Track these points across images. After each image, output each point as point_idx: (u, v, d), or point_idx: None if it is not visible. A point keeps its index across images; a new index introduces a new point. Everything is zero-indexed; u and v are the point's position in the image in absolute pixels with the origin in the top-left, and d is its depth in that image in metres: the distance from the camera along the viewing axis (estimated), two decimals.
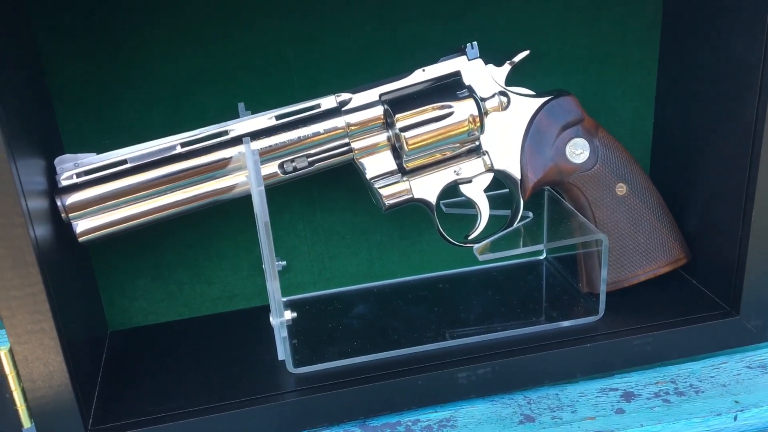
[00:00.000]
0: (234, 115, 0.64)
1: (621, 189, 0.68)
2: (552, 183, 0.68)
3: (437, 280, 0.77)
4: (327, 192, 0.73)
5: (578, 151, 0.67)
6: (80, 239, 0.59)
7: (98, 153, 0.60)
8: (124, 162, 0.59)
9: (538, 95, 0.66)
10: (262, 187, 0.57)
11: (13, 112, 0.51)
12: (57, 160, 0.59)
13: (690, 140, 0.71)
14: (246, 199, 0.62)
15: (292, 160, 0.62)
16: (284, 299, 0.61)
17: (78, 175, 0.59)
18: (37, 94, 0.61)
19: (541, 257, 0.79)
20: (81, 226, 0.59)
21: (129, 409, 0.61)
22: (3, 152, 0.48)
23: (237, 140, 0.61)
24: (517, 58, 0.66)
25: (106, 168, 0.59)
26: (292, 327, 0.63)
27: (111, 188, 0.59)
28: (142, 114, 0.66)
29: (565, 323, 0.67)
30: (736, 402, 0.63)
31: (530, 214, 0.70)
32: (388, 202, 0.64)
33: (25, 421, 0.56)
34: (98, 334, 0.70)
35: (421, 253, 0.77)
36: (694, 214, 0.71)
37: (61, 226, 0.58)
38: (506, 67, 0.66)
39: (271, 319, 0.61)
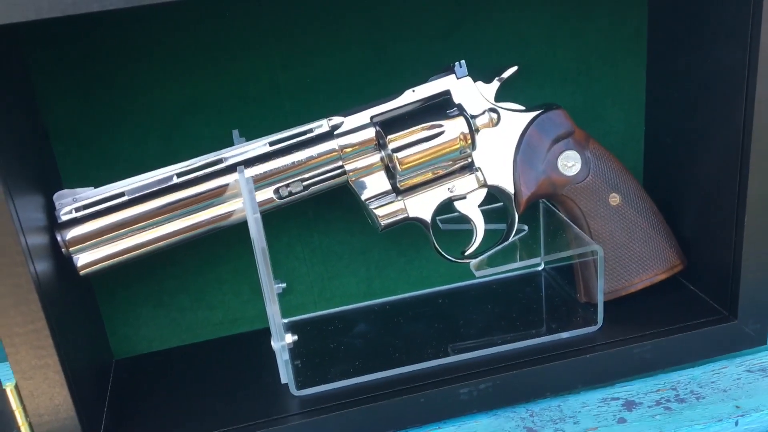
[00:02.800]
0: (228, 141, 0.65)
1: (614, 199, 0.68)
2: (546, 196, 0.69)
3: (436, 296, 0.78)
4: (323, 213, 0.74)
5: (570, 163, 0.67)
6: (81, 272, 0.60)
7: (96, 187, 0.60)
8: (122, 195, 0.60)
9: (528, 110, 0.67)
10: (258, 215, 0.58)
11: (9, 150, 0.52)
12: (55, 196, 0.60)
13: (681, 147, 0.72)
14: (244, 224, 0.62)
15: (287, 185, 0.63)
16: (285, 321, 0.62)
17: (77, 209, 0.60)
18: (33, 129, 0.62)
19: (539, 268, 0.80)
20: (81, 259, 0.60)
21: None
22: (0, 192, 0.49)
23: (232, 168, 0.62)
24: (506, 74, 0.67)
25: (104, 201, 0.60)
26: (295, 349, 0.64)
27: (110, 221, 0.60)
28: (138, 144, 0.67)
29: (565, 334, 0.68)
30: (737, 407, 0.63)
31: (525, 228, 0.71)
32: (384, 222, 0.65)
33: None
34: (103, 363, 0.70)
35: (419, 269, 0.78)
36: (688, 220, 0.72)
37: (62, 261, 0.59)
38: (495, 84, 0.67)
39: (272, 343, 0.62)
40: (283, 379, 0.63)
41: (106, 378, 0.70)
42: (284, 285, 0.73)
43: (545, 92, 0.73)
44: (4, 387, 0.54)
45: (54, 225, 0.59)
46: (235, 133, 0.66)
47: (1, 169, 0.49)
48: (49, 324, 0.53)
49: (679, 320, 0.68)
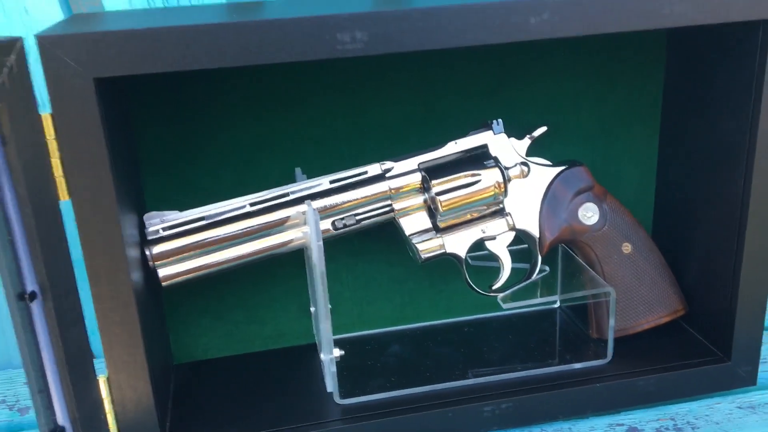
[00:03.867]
0: (291, 177, 0.73)
1: (626, 248, 0.75)
2: (566, 241, 0.76)
3: (462, 324, 0.85)
4: (367, 245, 0.82)
5: (589, 214, 0.75)
6: (163, 284, 0.69)
7: (180, 210, 0.69)
8: (202, 219, 0.69)
9: (554, 165, 0.74)
10: (321, 243, 0.66)
11: (120, 176, 0.61)
12: (146, 216, 0.68)
13: (687, 206, 0.79)
14: (296, 252, 0.71)
15: (342, 218, 0.71)
16: None
17: (163, 229, 0.68)
18: (130, 158, 0.71)
19: (555, 305, 0.87)
20: (163, 272, 0.68)
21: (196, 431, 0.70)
22: (115, 210, 0.57)
23: (296, 201, 0.70)
24: (536, 133, 0.74)
25: (187, 224, 0.68)
26: (337, 362, 0.71)
27: (190, 241, 0.68)
28: (215, 176, 0.76)
29: (577, 365, 0.75)
30: None
31: (547, 268, 0.78)
32: (425, 255, 0.73)
33: None
34: (167, 366, 0.79)
35: (447, 299, 0.85)
36: (691, 270, 0.79)
37: (148, 272, 0.68)
38: (526, 141, 0.74)
39: (321, 355, 0.70)
40: (329, 388, 0.71)
41: (169, 380, 0.78)
42: (330, 306, 0.82)
43: (570, 150, 0.80)
44: (97, 377, 0.63)
45: (143, 241, 0.68)
46: (298, 170, 0.74)
47: (117, 191, 0.58)
48: (141, 326, 0.62)
49: (679, 359, 0.74)
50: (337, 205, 0.71)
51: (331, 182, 0.71)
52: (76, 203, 0.57)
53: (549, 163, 0.75)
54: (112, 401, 0.63)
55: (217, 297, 0.81)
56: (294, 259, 0.77)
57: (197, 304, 0.80)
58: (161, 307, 0.79)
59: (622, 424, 0.73)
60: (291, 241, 0.71)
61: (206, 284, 0.78)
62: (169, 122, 0.74)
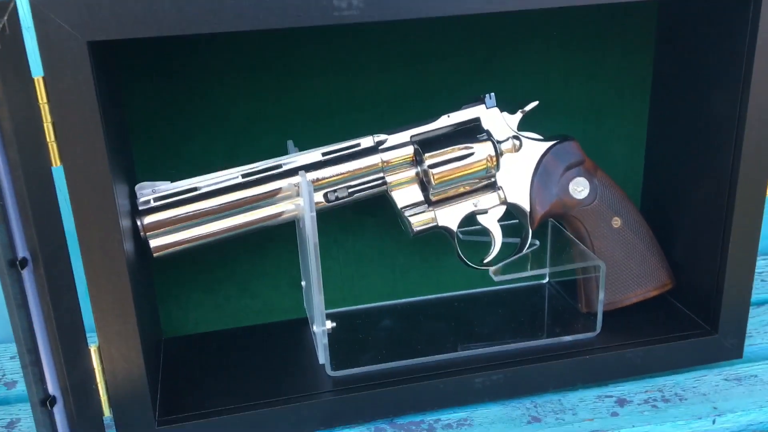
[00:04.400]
0: (283, 150, 0.73)
1: (616, 222, 0.76)
2: (556, 215, 0.77)
3: (453, 299, 0.85)
4: (358, 219, 0.82)
5: (579, 188, 0.75)
6: (155, 254, 0.68)
7: (172, 181, 0.69)
8: (195, 189, 0.68)
9: (546, 139, 0.74)
10: (314, 214, 0.66)
11: (112, 144, 0.60)
12: (137, 186, 0.68)
13: (675, 181, 0.79)
14: (287, 226, 0.71)
15: (335, 191, 0.71)
16: None
17: (155, 199, 0.68)
18: (121, 127, 0.70)
19: (544, 281, 0.88)
20: (155, 242, 0.68)
21: (188, 404, 0.69)
22: (108, 178, 0.57)
23: (289, 173, 0.70)
24: (528, 108, 0.74)
25: (179, 194, 0.68)
26: (329, 335, 0.71)
27: (182, 212, 0.68)
28: (206, 149, 0.75)
29: (567, 338, 0.75)
30: (715, 408, 0.71)
31: (537, 242, 0.79)
32: (417, 228, 0.73)
33: (106, 410, 0.64)
34: (157, 339, 0.78)
35: (438, 275, 0.86)
36: (679, 245, 0.79)
37: (140, 243, 0.68)
38: (518, 115, 0.74)
39: (314, 327, 0.70)
40: (321, 360, 0.71)
41: (159, 352, 0.78)
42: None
43: (561, 125, 0.80)
44: (89, 347, 0.62)
45: (135, 211, 0.67)
46: (290, 143, 0.74)
47: (109, 159, 0.57)
48: (134, 295, 0.61)
49: (667, 332, 0.76)
50: (329, 177, 0.71)
51: (324, 154, 0.71)
52: (68, 170, 0.57)
53: (541, 137, 0.75)
54: (103, 371, 0.63)
55: (207, 271, 0.80)
56: (285, 233, 0.77)
57: (187, 277, 0.80)
58: (151, 280, 0.78)
59: (611, 396, 0.74)
60: (283, 213, 0.71)
61: (197, 258, 0.78)
62: (160, 92, 0.73)
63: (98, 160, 0.57)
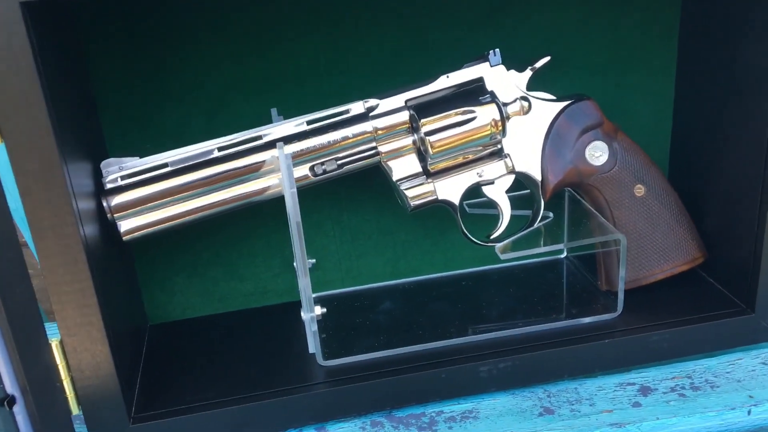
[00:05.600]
0: (267, 120, 0.67)
1: (639, 190, 0.70)
2: (572, 184, 0.71)
3: (460, 278, 0.80)
4: (354, 193, 0.76)
5: (597, 153, 0.69)
6: (124, 238, 0.63)
7: (141, 157, 0.63)
8: (165, 165, 0.63)
9: (559, 99, 0.69)
10: (295, 189, 0.60)
11: (64, 117, 0.55)
12: (103, 164, 0.62)
13: (707, 143, 0.73)
14: (277, 201, 0.65)
15: (322, 163, 0.66)
16: (314, 295, 0.64)
17: (123, 177, 0.62)
18: (84, 101, 0.65)
19: (562, 256, 0.82)
20: (125, 225, 0.63)
21: (169, 397, 0.65)
22: (56, 156, 0.52)
23: (270, 144, 0.64)
24: (539, 64, 0.68)
25: (149, 171, 0.63)
26: (322, 322, 0.66)
27: (153, 190, 0.63)
28: (183, 119, 0.70)
29: (585, 320, 0.70)
30: (750, 397, 0.65)
31: (551, 215, 0.73)
32: (414, 203, 0.67)
33: (74, 408, 0.59)
34: (139, 327, 0.74)
35: (444, 251, 0.80)
36: (711, 214, 0.73)
37: (107, 226, 0.62)
38: (527, 73, 0.68)
39: (302, 314, 0.65)
40: (311, 349, 0.66)
41: (141, 341, 0.73)
42: (314, 261, 0.76)
43: (576, 83, 0.74)
44: (49, 341, 0.57)
45: (100, 191, 0.62)
46: (274, 111, 0.68)
47: (57, 134, 0.52)
48: (95, 284, 0.56)
49: (697, 311, 0.70)
50: (315, 148, 0.65)
51: (309, 123, 0.66)
52: (10, 147, 0.52)
53: (553, 97, 0.69)
54: (68, 366, 0.58)
55: (192, 252, 0.75)
56: (275, 209, 0.71)
57: (171, 260, 0.75)
58: (130, 264, 0.73)
59: (633, 383, 0.68)
60: (267, 188, 0.66)
61: (179, 239, 0.73)
62: (130, 61, 0.68)
63: (42, 136, 0.51)
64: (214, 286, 0.77)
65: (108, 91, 0.68)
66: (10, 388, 0.55)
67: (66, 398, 0.59)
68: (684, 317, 0.69)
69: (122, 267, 0.70)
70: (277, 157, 0.63)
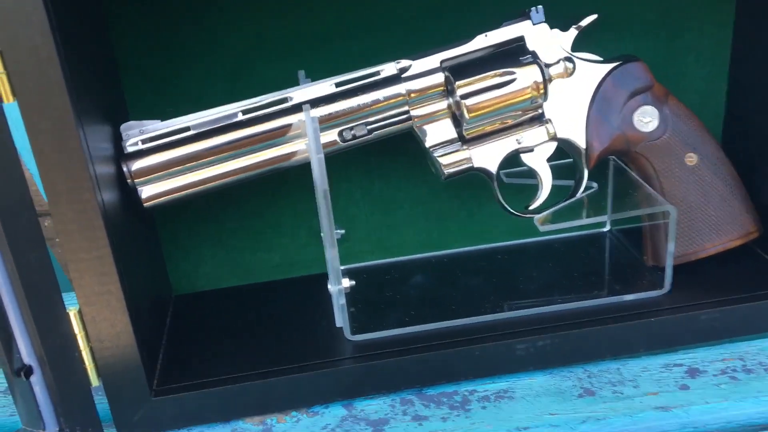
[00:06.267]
0: (294, 83, 0.64)
1: (691, 159, 0.66)
2: (618, 152, 0.67)
3: (496, 251, 0.76)
4: (385, 161, 0.73)
5: (646, 119, 0.65)
6: (145, 204, 0.61)
7: (162, 120, 0.61)
8: (188, 129, 0.61)
9: (605, 61, 0.65)
10: (322, 155, 0.57)
11: (80, 77, 0.52)
12: (123, 127, 0.60)
13: (765, 109, 0.69)
14: (305, 168, 0.62)
15: (352, 128, 0.63)
16: (342, 267, 0.61)
17: (143, 141, 0.60)
18: (105, 62, 0.63)
19: (605, 229, 0.78)
20: (146, 191, 0.61)
21: (192, 370, 0.63)
22: (70, 115, 0.50)
23: (297, 107, 0.62)
24: (584, 23, 0.65)
25: (170, 135, 0.60)
26: (350, 295, 0.64)
27: (174, 155, 0.60)
28: (204, 82, 0.68)
29: (629, 297, 0.66)
30: None
31: (594, 185, 0.69)
32: (448, 171, 0.64)
33: (94, 380, 0.58)
34: (163, 297, 0.72)
35: (480, 223, 0.77)
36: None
37: (127, 192, 0.60)
38: (572, 32, 0.65)
39: (329, 286, 0.62)
40: (338, 323, 0.64)
41: (165, 312, 0.71)
42: (343, 231, 0.73)
43: (624, 44, 0.71)
44: (67, 311, 0.55)
45: (120, 156, 0.60)
46: (301, 73, 0.65)
47: (71, 93, 0.49)
48: (113, 252, 0.54)
49: (750, 289, 0.66)
50: (344, 112, 0.62)
51: (338, 85, 0.63)
52: (23, 106, 0.49)
53: (599, 59, 0.66)
54: (87, 337, 0.56)
55: (217, 222, 0.73)
56: (303, 177, 0.68)
57: (196, 229, 0.73)
58: (154, 233, 0.71)
59: (681, 365, 0.64)
60: (294, 154, 0.63)
61: (204, 206, 0.72)
62: (152, 22, 0.66)
63: (56, 95, 0.49)
64: (240, 256, 0.75)
65: (129, 53, 0.66)
66: (27, 358, 0.53)
67: (85, 369, 0.57)
68: (736, 295, 0.65)
69: (144, 235, 0.68)
70: (304, 121, 0.60)
